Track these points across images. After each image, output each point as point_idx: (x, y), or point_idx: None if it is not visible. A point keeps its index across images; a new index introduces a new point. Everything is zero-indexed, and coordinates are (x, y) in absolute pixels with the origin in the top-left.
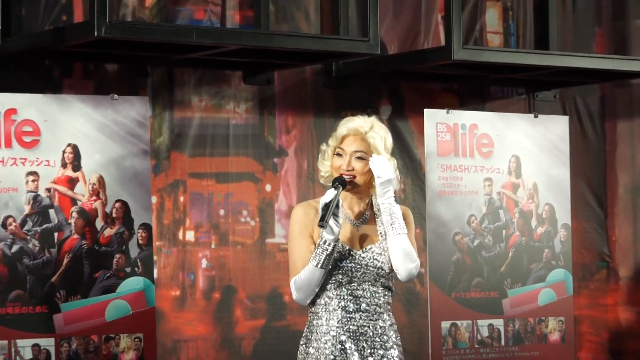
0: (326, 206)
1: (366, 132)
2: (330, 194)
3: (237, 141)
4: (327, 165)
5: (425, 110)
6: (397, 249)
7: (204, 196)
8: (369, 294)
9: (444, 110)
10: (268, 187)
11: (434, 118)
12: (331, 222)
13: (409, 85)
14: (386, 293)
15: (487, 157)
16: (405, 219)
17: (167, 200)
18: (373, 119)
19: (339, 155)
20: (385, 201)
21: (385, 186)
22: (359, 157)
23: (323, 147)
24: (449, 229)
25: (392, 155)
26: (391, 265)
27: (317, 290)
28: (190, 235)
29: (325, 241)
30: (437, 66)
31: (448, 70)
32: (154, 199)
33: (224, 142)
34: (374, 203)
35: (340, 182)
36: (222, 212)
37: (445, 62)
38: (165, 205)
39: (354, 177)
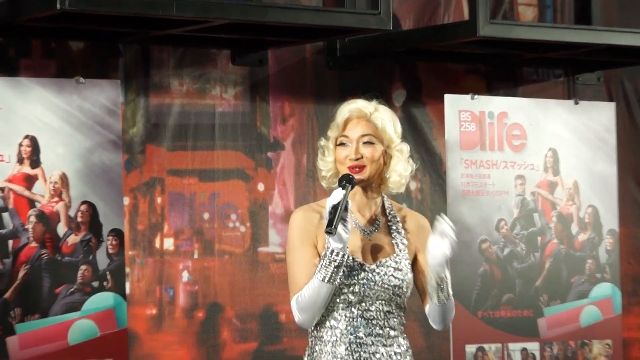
0: (334, 209)
1: (371, 112)
2: (337, 194)
3: (224, 132)
4: (329, 162)
5: (446, 96)
6: (443, 314)
7: (185, 197)
8: (382, 316)
9: (468, 96)
10: (261, 187)
11: (456, 105)
12: (340, 227)
13: (427, 67)
14: (400, 313)
15: (519, 151)
16: (421, 233)
17: (142, 202)
18: (375, 102)
19: (343, 144)
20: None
21: (439, 271)
22: (367, 142)
23: (321, 142)
24: (474, 236)
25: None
26: (410, 285)
27: (324, 310)
28: (169, 243)
29: (332, 251)
30: (460, 44)
31: (473, 48)
32: (126, 201)
33: (209, 134)
34: (385, 205)
35: (348, 180)
36: (206, 215)
37: (470, 40)
38: (139, 208)
39: (363, 167)
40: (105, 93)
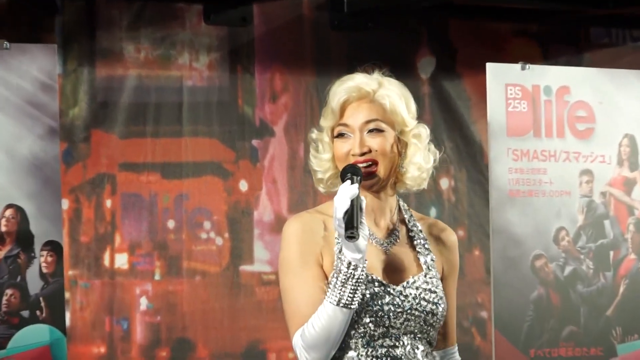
0: (350, 209)
1: (374, 90)
2: (347, 190)
3: (194, 113)
4: (325, 161)
5: (488, 65)
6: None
7: (143, 199)
8: (411, 353)
9: (518, 65)
10: (243, 185)
11: (502, 77)
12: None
13: (463, 26)
14: (429, 350)
15: (585, 138)
16: (450, 252)
17: (86, 206)
18: (377, 74)
19: (342, 135)
20: None
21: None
22: (374, 130)
23: (313, 134)
24: (525, 250)
25: (423, 126)
26: (445, 313)
27: (338, 345)
28: (121, 260)
29: (349, 263)
30: None
31: (523, 2)
32: (65, 204)
33: (175, 115)
34: (402, 208)
35: (353, 172)
36: (171, 223)
37: None
38: (82, 214)
39: (375, 162)
40: (37, 62)
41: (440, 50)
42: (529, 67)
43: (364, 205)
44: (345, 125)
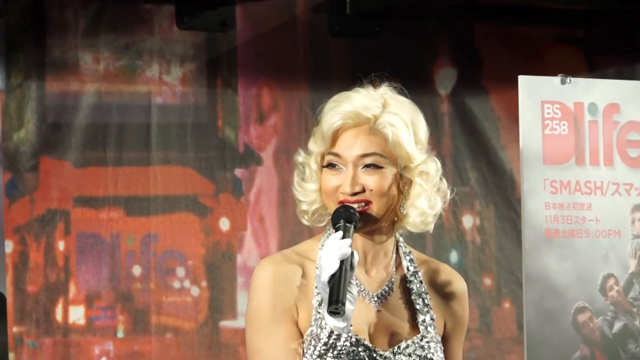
0: (338, 274)
1: (377, 116)
2: (336, 248)
3: (165, 137)
4: (310, 191)
5: (521, 79)
6: None
7: (103, 241)
8: None
9: (557, 78)
10: (224, 224)
11: (537, 92)
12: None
13: (491, 31)
14: None
15: (639, 167)
16: (456, 303)
17: (34, 249)
18: (383, 91)
19: (332, 166)
20: None
21: None
22: (370, 166)
23: (300, 157)
24: (566, 303)
25: (435, 155)
26: None
27: None
28: (77, 314)
29: (331, 333)
30: None
31: (565, 2)
32: (8, 247)
33: (141, 140)
34: (401, 251)
35: (347, 219)
36: (137, 270)
37: None
38: (29, 258)
39: (368, 203)
40: None
41: (462, 61)
42: (570, 80)
43: (355, 263)
44: (336, 155)
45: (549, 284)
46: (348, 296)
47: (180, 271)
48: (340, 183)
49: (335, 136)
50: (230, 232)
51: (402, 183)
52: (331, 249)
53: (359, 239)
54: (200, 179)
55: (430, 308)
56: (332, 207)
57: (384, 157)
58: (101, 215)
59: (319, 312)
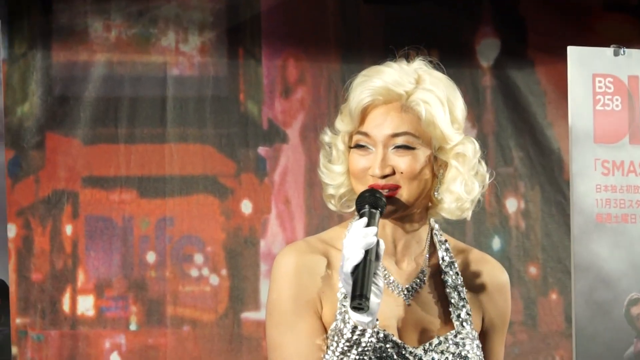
0: (362, 265)
1: (409, 92)
2: (360, 236)
3: (182, 112)
4: (337, 174)
5: (571, 50)
6: None
7: (114, 225)
8: None
9: (611, 49)
10: (246, 207)
11: (588, 65)
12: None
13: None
14: None
15: None
16: (498, 296)
17: (40, 233)
18: (417, 65)
19: (360, 147)
20: None
21: None
22: (402, 147)
23: (326, 136)
24: (618, 294)
25: (473, 135)
26: None
27: None
28: (86, 305)
29: (354, 328)
30: None
31: None
32: (11, 230)
33: (157, 115)
34: (436, 240)
35: (372, 203)
36: (151, 256)
37: None
38: (35, 244)
39: (397, 188)
40: None
41: (506, 30)
42: (624, 51)
43: (382, 252)
44: (365, 135)
45: (599, 274)
46: (373, 289)
47: (199, 258)
48: (370, 165)
49: (364, 114)
50: (253, 216)
51: (437, 166)
52: (355, 238)
53: (388, 226)
54: (220, 158)
55: (467, 302)
56: (360, 189)
57: (417, 137)
58: (112, 197)
59: (344, 306)
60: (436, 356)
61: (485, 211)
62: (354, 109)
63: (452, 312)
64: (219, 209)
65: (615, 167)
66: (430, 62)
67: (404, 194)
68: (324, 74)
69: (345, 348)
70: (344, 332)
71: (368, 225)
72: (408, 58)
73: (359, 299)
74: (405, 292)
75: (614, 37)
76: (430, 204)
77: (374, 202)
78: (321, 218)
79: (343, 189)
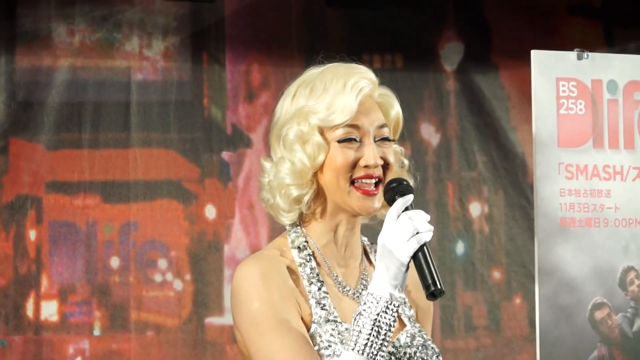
0: (426, 252)
1: (376, 87)
2: (421, 218)
3: (146, 117)
4: (315, 167)
5: (534, 53)
6: None
7: (78, 229)
8: None
9: (573, 53)
10: (210, 212)
11: (551, 69)
12: None
13: (501, 2)
14: None
15: None
16: (414, 293)
17: (2, 238)
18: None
19: (349, 141)
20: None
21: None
22: (385, 139)
23: (292, 131)
24: (582, 298)
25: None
26: None
27: None
28: (50, 310)
29: (390, 304)
30: None
31: None
32: None
33: (120, 119)
34: (362, 239)
35: (403, 190)
36: (115, 261)
37: None
38: None
39: (379, 180)
40: None
41: (470, 34)
42: (587, 55)
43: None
44: (355, 127)
45: (563, 278)
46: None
47: (162, 263)
48: (359, 157)
49: (357, 104)
50: (217, 221)
51: None
52: (416, 220)
53: (342, 226)
54: (184, 163)
55: (406, 301)
56: (344, 185)
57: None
58: (76, 202)
59: (316, 313)
60: (409, 350)
61: (449, 215)
62: (353, 99)
63: (399, 310)
64: (182, 213)
65: (579, 171)
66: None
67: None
68: (288, 78)
69: (374, 319)
70: (380, 312)
71: (406, 206)
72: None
73: (434, 287)
74: (358, 295)
75: (577, 41)
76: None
77: (404, 188)
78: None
79: (310, 192)
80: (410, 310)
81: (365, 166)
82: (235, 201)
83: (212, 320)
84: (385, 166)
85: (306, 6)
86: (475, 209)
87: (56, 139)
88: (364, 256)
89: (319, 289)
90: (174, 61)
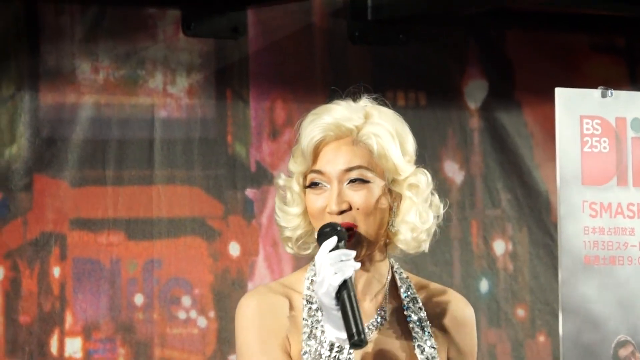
0: (348, 295)
1: (359, 127)
2: (338, 256)
3: (169, 154)
4: (293, 216)
5: (558, 91)
6: None
7: (102, 267)
8: None
9: (598, 91)
10: (234, 249)
11: (575, 107)
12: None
13: (524, 39)
14: None
15: None
16: (462, 329)
17: (27, 276)
18: (364, 102)
19: (315, 185)
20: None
21: None
22: (356, 181)
23: (280, 180)
24: (606, 336)
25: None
26: None
27: None
28: (74, 347)
29: (332, 345)
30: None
31: (606, 7)
32: (0, 273)
33: (144, 156)
34: (397, 277)
35: (335, 231)
36: (139, 299)
37: None
38: (22, 286)
39: (354, 228)
40: None
41: (493, 72)
42: (611, 93)
43: (353, 280)
44: (319, 172)
45: (587, 316)
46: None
47: (186, 300)
48: (327, 203)
49: (316, 152)
50: (241, 258)
51: (392, 199)
52: (322, 253)
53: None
54: (208, 200)
55: (431, 336)
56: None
57: (370, 170)
58: (100, 239)
59: (308, 345)
60: None
61: (473, 253)
62: (305, 147)
63: (415, 348)
64: (206, 251)
65: (603, 209)
66: (375, 99)
67: (363, 229)
68: None
69: None
70: (322, 352)
71: (337, 245)
72: (353, 99)
73: (357, 337)
74: (367, 331)
75: (601, 78)
76: (387, 240)
77: (335, 229)
78: (308, 260)
79: (300, 231)
80: (427, 343)
81: (329, 212)
82: (259, 238)
83: (236, 358)
84: (357, 209)
85: (330, 44)
86: (499, 246)
87: (80, 176)
88: (388, 289)
89: (318, 320)
90: (197, 98)
